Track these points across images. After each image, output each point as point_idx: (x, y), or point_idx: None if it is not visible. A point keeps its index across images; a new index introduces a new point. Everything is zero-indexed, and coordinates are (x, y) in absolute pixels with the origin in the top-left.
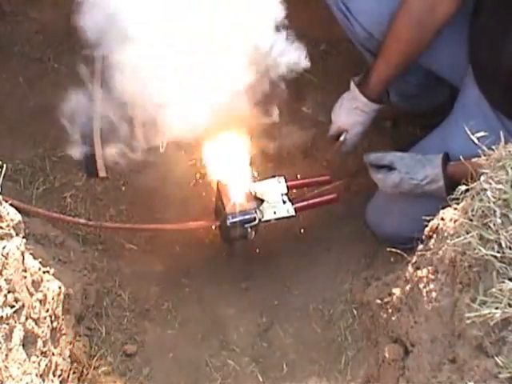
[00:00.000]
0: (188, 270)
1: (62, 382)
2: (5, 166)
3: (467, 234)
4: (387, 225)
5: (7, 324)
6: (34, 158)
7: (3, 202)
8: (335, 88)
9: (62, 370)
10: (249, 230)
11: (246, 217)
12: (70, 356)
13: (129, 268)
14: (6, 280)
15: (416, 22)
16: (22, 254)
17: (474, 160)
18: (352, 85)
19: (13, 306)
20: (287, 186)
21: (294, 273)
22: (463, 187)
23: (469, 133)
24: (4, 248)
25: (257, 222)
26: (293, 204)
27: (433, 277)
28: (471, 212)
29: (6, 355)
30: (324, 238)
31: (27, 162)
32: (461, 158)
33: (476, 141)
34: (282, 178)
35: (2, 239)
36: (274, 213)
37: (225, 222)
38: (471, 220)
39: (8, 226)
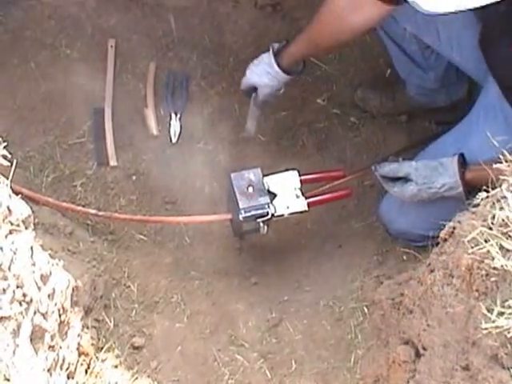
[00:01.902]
0: (198, 262)
1: (69, 375)
2: (14, 153)
3: (486, 242)
4: (401, 222)
5: (15, 319)
6: (45, 146)
7: (13, 196)
8: (350, 79)
9: (69, 363)
10: (261, 224)
11: (259, 211)
12: (77, 348)
13: (138, 259)
14: (14, 275)
15: (337, 18)
16: (31, 248)
17: (494, 166)
18: (270, 52)
19: (21, 302)
20: (300, 180)
21: (305, 268)
22: (484, 194)
23: (489, 136)
24: (13, 243)
25: (269, 216)
26: (306, 199)
27: (447, 281)
28: (491, 220)
29: (14, 351)
30: (335, 234)
31: (37, 150)
32: (481, 162)
33: (496, 144)
34: (295, 171)
35: (11, 234)
36: (287, 207)
37: (237, 216)
38: (491, 228)
39: (17, 219)
